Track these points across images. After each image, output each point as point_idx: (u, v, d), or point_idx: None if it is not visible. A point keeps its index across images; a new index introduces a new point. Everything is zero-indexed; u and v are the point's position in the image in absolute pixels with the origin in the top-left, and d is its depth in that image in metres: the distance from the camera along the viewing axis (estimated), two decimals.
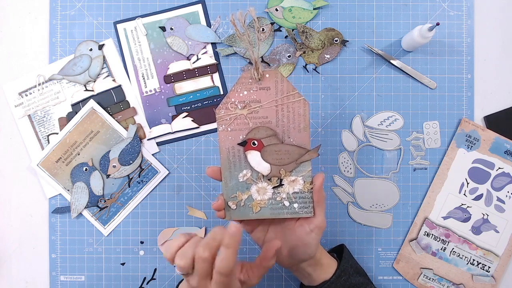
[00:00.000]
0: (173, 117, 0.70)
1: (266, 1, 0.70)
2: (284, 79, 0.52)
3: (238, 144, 0.52)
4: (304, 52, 0.70)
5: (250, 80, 0.52)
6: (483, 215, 0.69)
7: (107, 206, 0.70)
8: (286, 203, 0.53)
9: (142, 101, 0.70)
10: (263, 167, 0.52)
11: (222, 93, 0.70)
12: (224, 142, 0.53)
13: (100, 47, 0.70)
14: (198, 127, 0.70)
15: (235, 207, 0.53)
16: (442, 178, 0.69)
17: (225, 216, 0.54)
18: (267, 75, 0.52)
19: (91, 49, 0.70)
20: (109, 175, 0.69)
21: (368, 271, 0.70)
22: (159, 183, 0.70)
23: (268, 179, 0.53)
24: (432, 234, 0.69)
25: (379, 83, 0.70)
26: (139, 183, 0.70)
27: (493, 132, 0.69)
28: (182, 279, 0.56)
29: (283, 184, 0.53)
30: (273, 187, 0.53)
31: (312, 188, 0.53)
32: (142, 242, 0.70)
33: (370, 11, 0.71)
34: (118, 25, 0.70)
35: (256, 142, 0.52)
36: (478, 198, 0.69)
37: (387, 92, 0.70)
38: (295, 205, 0.53)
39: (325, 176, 0.68)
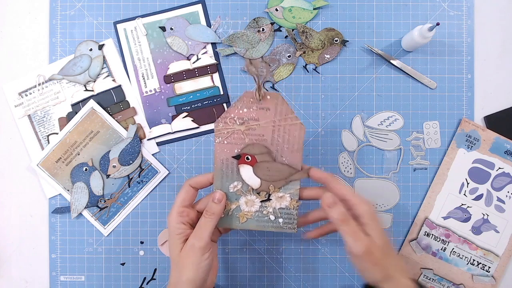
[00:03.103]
0: (173, 117, 0.70)
1: (266, 1, 0.70)
2: (284, 103, 0.54)
3: (233, 157, 0.54)
4: (304, 52, 0.70)
5: (251, 99, 0.54)
6: (483, 215, 0.69)
7: (107, 206, 0.70)
8: (272, 217, 0.55)
9: (142, 101, 0.70)
10: (254, 181, 0.55)
11: (222, 93, 0.70)
12: (219, 153, 0.55)
13: (100, 47, 0.70)
14: (198, 127, 0.70)
15: (222, 215, 0.55)
16: (442, 178, 0.69)
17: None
18: (268, 97, 0.54)
19: (91, 49, 0.70)
20: (109, 175, 0.69)
21: None
22: (159, 183, 0.70)
23: (257, 193, 0.55)
24: (432, 234, 0.69)
25: (379, 83, 0.70)
26: (139, 183, 0.70)
27: (493, 132, 0.69)
28: None
29: (270, 199, 0.55)
30: (261, 201, 0.55)
31: (297, 206, 0.55)
32: (142, 242, 0.70)
33: (370, 11, 0.71)
34: (118, 25, 0.70)
35: (249, 157, 0.54)
36: (478, 198, 0.69)
37: (387, 92, 0.70)
38: (280, 220, 0.55)
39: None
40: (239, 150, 0.54)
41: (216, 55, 0.70)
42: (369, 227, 0.51)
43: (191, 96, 0.70)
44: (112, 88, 0.70)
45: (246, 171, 0.54)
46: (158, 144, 0.70)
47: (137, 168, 0.69)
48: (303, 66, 0.70)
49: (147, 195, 0.70)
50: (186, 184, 0.55)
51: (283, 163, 0.54)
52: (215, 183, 0.55)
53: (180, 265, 0.51)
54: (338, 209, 0.51)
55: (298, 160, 0.54)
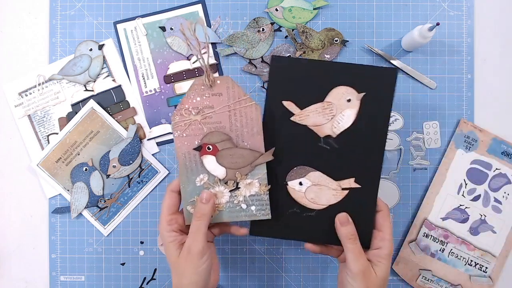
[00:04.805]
0: None
1: (266, 1, 0.70)
2: (235, 85, 0.53)
3: (194, 149, 0.53)
4: (304, 52, 0.70)
5: (202, 87, 0.53)
6: (481, 215, 0.69)
7: (107, 206, 0.70)
8: (244, 206, 0.54)
9: (142, 101, 0.70)
10: (219, 171, 0.54)
11: None
12: (180, 147, 0.54)
13: (100, 47, 0.70)
14: None
15: (193, 211, 0.54)
16: (441, 179, 0.69)
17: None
18: (218, 82, 0.53)
19: (91, 49, 0.70)
20: (109, 175, 0.69)
21: None
22: (159, 183, 0.70)
23: (225, 183, 0.54)
24: (431, 235, 0.69)
25: None
26: (139, 183, 0.70)
27: (491, 133, 0.69)
28: None
29: (239, 187, 0.54)
30: (230, 191, 0.54)
31: (267, 190, 0.54)
32: (142, 242, 0.70)
33: (370, 11, 0.71)
34: (118, 25, 0.70)
35: (211, 147, 0.53)
36: (476, 199, 0.69)
37: None
38: (252, 208, 0.54)
39: None
40: (199, 141, 0.53)
41: (216, 55, 0.70)
42: (382, 265, 0.53)
43: None
44: (112, 88, 0.70)
45: (210, 162, 0.54)
46: (158, 144, 0.70)
47: (137, 168, 0.69)
48: None
49: (147, 195, 0.70)
50: (168, 190, 0.55)
51: (245, 148, 0.53)
52: (180, 179, 0.54)
53: (180, 271, 0.51)
54: (349, 228, 0.53)
55: (260, 143, 0.54)
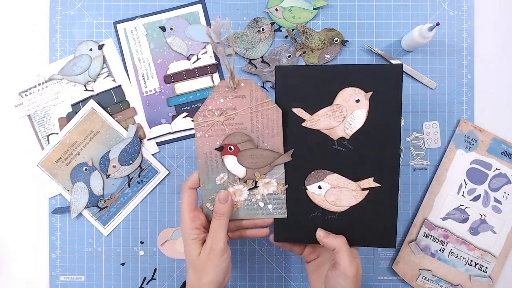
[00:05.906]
0: (173, 117, 0.70)
1: (266, 1, 0.70)
2: (258, 88, 0.54)
3: (216, 149, 0.55)
4: (304, 52, 0.70)
5: (226, 89, 0.54)
6: (481, 215, 0.69)
7: (107, 206, 0.70)
8: (261, 204, 0.56)
9: (142, 101, 0.70)
10: (239, 171, 0.55)
11: None
12: (201, 147, 0.55)
13: (100, 47, 0.70)
14: None
15: (212, 208, 0.56)
16: (441, 179, 0.69)
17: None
18: (242, 84, 0.54)
19: (91, 49, 0.70)
20: (109, 175, 0.69)
21: (368, 271, 0.70)
22: (159, 183, 0.70)
23: (244, 182, 0.56)
24: (431, 235, 0.69)
25: None
26: (139, 183, 0.70)
27: (491, 133, 0.69)
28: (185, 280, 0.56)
29: (258, 186, 0.56)
30: (249, 189, 0.56)
31: (285, 190, 0.56)
32: (142, 242, 0.70)
33: (370, 11, 0.71)
34: (118, 25, 0.70)
35: (232, 147, 0.55)
36: (476, 199, 0.69)
37: None
38: (269, 206, 0.56)
39: None
40: (221, 142, 0.55)
41: (216, 55, 0.70)
42: (358, 260, 0.55)
43: (191, 96, 0.70)
44: (112, 88, 0.70)
45: (231, 161, 0.55)
46: (158, 144, 0.70)
47: (137, 168, 0.69)
48: None
49: (147, 195, 0.70)
50: (185, 188, 0.55)
51: (265, 148, 0.55)
52: (201, 178, 0.55)
53: (200, 269, 0.52)
54: (335, 236, 0.54)
55: (280, 144, 0.55)
